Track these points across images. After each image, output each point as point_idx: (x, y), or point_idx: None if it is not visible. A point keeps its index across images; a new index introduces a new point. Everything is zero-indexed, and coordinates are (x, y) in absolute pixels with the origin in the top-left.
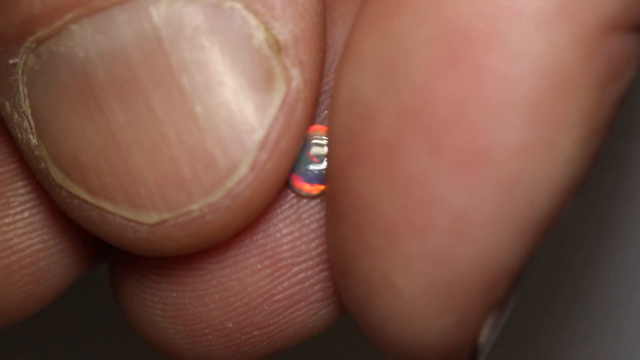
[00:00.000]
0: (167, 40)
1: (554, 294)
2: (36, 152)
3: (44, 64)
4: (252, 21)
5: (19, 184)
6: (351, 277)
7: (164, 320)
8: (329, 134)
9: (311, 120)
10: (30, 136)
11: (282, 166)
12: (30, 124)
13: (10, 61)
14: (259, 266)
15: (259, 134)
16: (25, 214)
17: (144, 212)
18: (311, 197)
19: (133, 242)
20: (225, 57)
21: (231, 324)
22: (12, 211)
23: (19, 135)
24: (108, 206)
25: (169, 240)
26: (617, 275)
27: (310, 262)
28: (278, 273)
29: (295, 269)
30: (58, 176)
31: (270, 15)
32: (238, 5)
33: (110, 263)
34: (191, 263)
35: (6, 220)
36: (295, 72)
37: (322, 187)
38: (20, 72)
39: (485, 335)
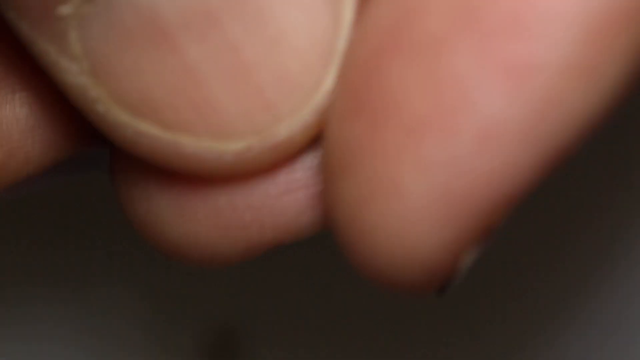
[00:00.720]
0: None
1: (553, 293)
2: (91, 94)
3: (101, 9)
4: None
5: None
6: (352, 176)
7: (157, 192)
8: (361, 27)
9: None
10: (83, 79)
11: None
12: (82, 67)
13: (62, 9)
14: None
15: (340, 44)
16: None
17: (229, 140)
18: None
19: (215, 170)
20: None
21: (224, 202)
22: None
23: (67, 80)
24: (186, 139)
25: (253, 165)
26: (618, 276)
27: (315, 152)
28: (294, 165)
29: (299, 156)
30: (123, 115)
31: None
32: None
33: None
34: None
35: None
36: None
37: None
38: (72, 18)
39: (467, 262)
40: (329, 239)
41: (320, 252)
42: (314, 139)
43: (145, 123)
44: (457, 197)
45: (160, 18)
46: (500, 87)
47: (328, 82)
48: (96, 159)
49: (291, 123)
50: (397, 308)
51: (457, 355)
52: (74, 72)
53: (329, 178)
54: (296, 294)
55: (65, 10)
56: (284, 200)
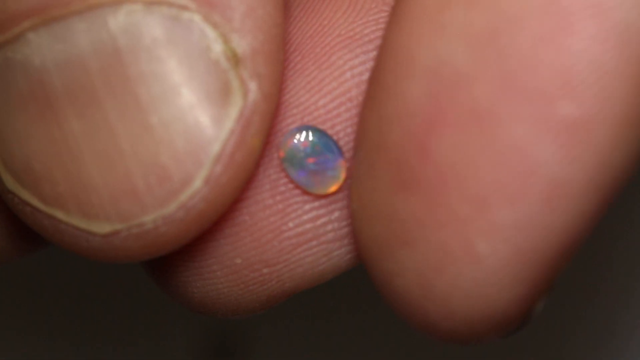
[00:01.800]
0: (125, 51)
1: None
2: None
3: (0, 70)
4: (211, 33)
5: None
6: (413, 247)
7: (174, 255)
8: (395, 100)
9: (267, 133)
10: None
11: (238, 179)
12: None
13: None
14: (271, 201)
15: (214, 147)
16: None
17: (97, 222)
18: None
19: (86, 250)
20: (183, 69)
21: (240, 260)
22: None
23: None
24: (60, 215)
25: (121, 250)
26: (618, 276)
27: (322, 201)
28: (289, 209)
29: (307, 206)
30: (10, 182)
31: (228, 27)
32: (197, 17)
33: None
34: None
35: None
36: (252, 86)
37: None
38: None
39: (539, 308)
40: None
41: None
42: (190, 237)
43: (28, 193)
44: (531, 255)
45: (48, 86)
46: (561, 147)
47: (197, 181)
48: None
49: (156, 215)
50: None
51: (457, 355)
52: None
53: (383, 250)
54: (296, 294)
55: None
56: (297, 253)
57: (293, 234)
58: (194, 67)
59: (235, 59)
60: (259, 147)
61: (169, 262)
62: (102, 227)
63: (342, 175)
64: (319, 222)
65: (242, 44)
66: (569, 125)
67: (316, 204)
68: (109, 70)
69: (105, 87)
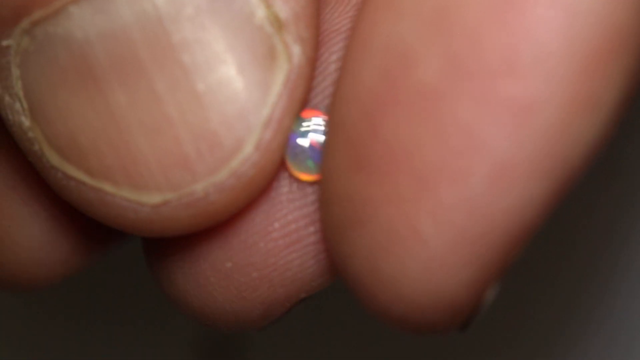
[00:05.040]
0: (168, 20)
1: (553, 294)
2: (29, 134)
3: (40, 45)
4: None
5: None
6: (364, 227)
7: (172, 263)
8: (351, 80)
9: (307, 98)
10: (23, 118)
11: (284, 144)
12: (23, 106)
13: (4, 43)
14: (255, 202)
15: (263, 112)
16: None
17: (146, 192)
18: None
19: (133, 223)
20: (227, 36)
21: (230, 264)
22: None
23: (10, 117)
24: (108, 187)
25: (171, 221)
26: (617, 276)
27: (307, 200)
28: (274, 210)
29: (291, 205)
30: (54, 158)
31: None
32: None
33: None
34: None
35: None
36: (296, 49)
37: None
38: (13, 53)
39: (491, 296)
40: None
41: None
42: (240, 205)
43: (72, 167)
44: (477, 237)
45: (91, 59)
46: (505, 127)
47: (248, 147)
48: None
49: (208, 183)
50: None
51: (457, 355)
52: (16, 111)
53: (338, 232)
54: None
55: (6, 42)
56: (284, 255)
57: (278, 235)
58: (238, 34)
59: (278, 24)
60: (300, 113)
61: (171, 269)
62: (152, 198)
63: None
64: (302, 222)
65: (284, 9)
66: (512, 106)
67: (298, 203)
68: (153, 40)
69: (150, 57)
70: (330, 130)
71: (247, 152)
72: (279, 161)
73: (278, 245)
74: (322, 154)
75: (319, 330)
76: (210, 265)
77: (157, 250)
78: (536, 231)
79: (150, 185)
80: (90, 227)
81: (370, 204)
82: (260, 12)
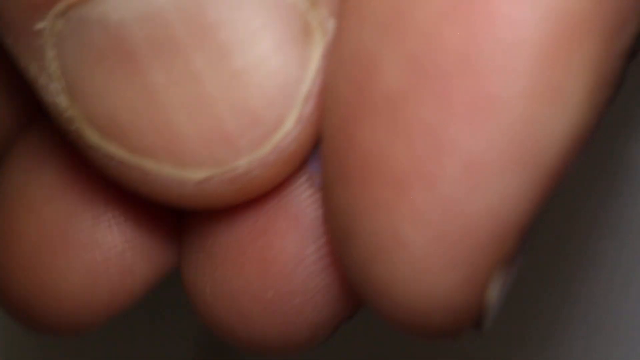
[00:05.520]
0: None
1: (550, 294)
2: (67, 114)
3: (75, 28)
4: None
5: (98, 183)
6: (355, 238)
7: (214, 299)
8: (331, 91)
9: None
10: (60, 98)
11: (320, 119)
12: (60, 86)
13: (38, 25)
14: (287, 230)
15: (303, 87)
16: (108, 210)
17: (190, 169)
18: None
19: (178, 199)
20: (262, 14)
21: (272, 294)
22: (94, 209)
23: (46, 99)
24: (150, 165)
25: (214, 196)
26: (616, 276)
27: None
28: (306, 235)
29: (322, 229)
30: (94, 137)
31: None
32: None
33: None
34: (229, 238)
35: (89, 218)
36: (330, 25)
37: None
38: (47, 35)
39: (494, 294)
40: None
41: None
42: (281, 179)
43: (113, 145)
44: (457, 238)
45: (128, 40)
46: (469, 125)
47: (289, 122)
48: None
49: (250, 158)
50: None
51: (457, 355)
52: (52, 91)
53: (337, 245)
54: None
55: (41, 25)
56: (323, 278)
57: (313, 260)
58: (272, 12)
59: (311, 0)
60: None
61: (214, 306)
62: (195, 174)
63: None
64: None
65: None
66: (473, 103)
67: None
68: (189, 20)
69: (187, 37)
70: (321, 144)
71: (288, 127)
72: (317, 135)
73: (317, 269)
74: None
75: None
76: (252, 297)
77: (195, 284)
78: (527, 226)
79: (193, 162)
80: (134, 265)
81: (356, 215)
82: None
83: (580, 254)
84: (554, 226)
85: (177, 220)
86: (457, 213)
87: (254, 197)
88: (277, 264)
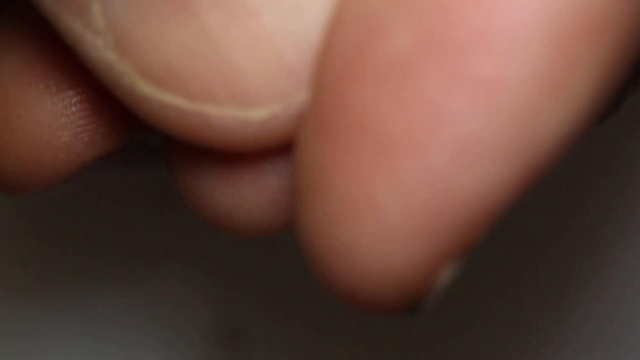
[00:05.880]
0: None
1: (551, 294)
2: (117, 69)
3: None
4: None
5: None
6: (323, 195)
7: (210, 180)
8: (327, 47)
9: None
10: (109, 53)
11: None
12: (108, 41)
13: None
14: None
15: None
16: (69, 93)
17: (253, 108)
18: None
19: (241, 141)
20: None
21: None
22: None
23: (93, 56)
24: (211, 109)
25: (278, 134)
26: (617, 277)
27: None
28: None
29: None
30: (148, 88)
31: None
32: None
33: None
34: None
35: (44, 92)
36: None
37: None
38: None
39: (444, 280)
40: None
41: None
42: None
43: (170, 94)
44: (433, 212)
45: None
46: (471, 103)
47: None
48: (151, 153)
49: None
50: None
51: (457, 354)
52: (98, 47)
53: (299, 198)
54: (296, 294)
55: None
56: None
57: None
58: None
59: None
60: None
61: (203, 185)
62: (259, 113)
63: None
64: None
65: None
66: (480, 82)
67: None
68: None
69: None
70: (310, 96)
71: None
72: None
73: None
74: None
75: (321, 329)
76: (254, 182)
77: (187, 162)
78: (500, 216)
79: (256, 100)
80: (102, 122)
81: (330, 171)
82: None
83: (580, 254)
84: (555, 226)
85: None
86: (440, 188)
87: None
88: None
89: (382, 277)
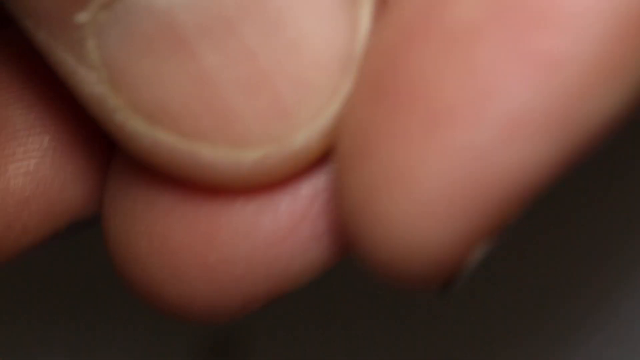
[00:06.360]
0: None
1: (553, 294)
2: (109, 104)
3: (119, 16)
4: None
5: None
6: (367, 162)
7: (149, 255)
8: (392, 10)
9: None
10: (101, 88)
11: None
12: (102, 76)
13: (79, 16)
14: (246, 197)
15: (357, 50)
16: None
17: (246, 149)
18: None
19: (233, 180)
20: None
21: (215, 258)
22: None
23: (86, 90)
24: (204, 149)
25: (269, 174)
26: (618, 277)
27: (297, 197)
28: (265, 205)
29: (284, 203)
30: (140, 125)
31: None
32: None
33: (103, 198)
34: (178, 193)
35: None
36: None
37: None
38: (88, 25)
39: (476, 257)
40: None
41: None
42: (330, 149)
43: (163, 132)
44: (476, 187)
45: (178, 24)
46: (527, 78)
47: (346, 87)
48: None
49: (308, 130)
50: (397, 307)
51: (457, 354)
52: (92, 82)
53: (344, 163)
54: (295, 293)
55: (82, 17)
56: (272, 250)
57: (267, 230)
58: None
59: None
60: None
61: (146, 259)
62: (252, 154)
63: None
64: (294, 217)
65: None
66: (540, 58)
67: (289, 199)
68: None
69: (237, 13)
70: (364, 60)
71: (344, 93)
72: None
73: (267, 241)
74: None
75: (323, 332)
76: (193, 257)
77: (124, 233)
78: (537, 197)
79: (250, 141)
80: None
81: (378, 137)
82: None
83: (582, 253)
84: (556, 226)
85: (100, 167)
86: (486, 162)
87: (307, 170)
88: (229, 230)
89: (418, 250)
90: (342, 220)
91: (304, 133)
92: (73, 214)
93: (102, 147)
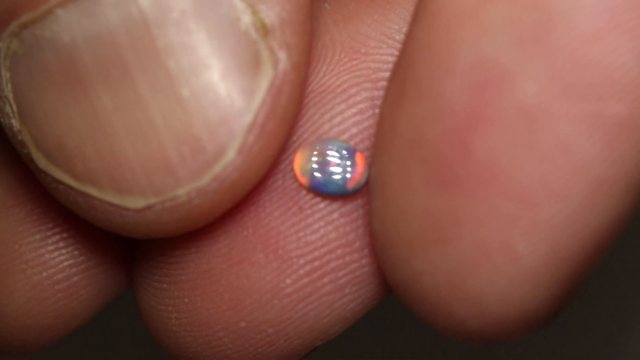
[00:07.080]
0: (154, 24)
1: None
2: (19, 137)
3: (28, 48)
4: (239, 4)
5: (49, 201)
6: (450, 244)
7: (180, 328)
8: (429, 96)
9: (300, 102)
10: (13, 121)
11: (269, 148)
12: (12, 109)
13: None
14: (265, 260)
15: (246, 118)
16: (57, 230)
17: (130, 197)
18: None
19: (120, 226)
20: (212, 41)
21: (244, 324)
22: (43, 227)
23: (2, 120)
24: (93, 191)
25: (156, 224)
26: (619, 278)
27: (316, 253)
28: (284, 266)
29: (302, 260)
30: (42, 161)
31: None
32: None
33: (133, 278)
34: (199, 265)
35: (37, 237)
36: (282, 55)
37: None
38: (3, 56)
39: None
40: None
41: None
42: (224, 209)
43: (60, 171)
44: (567, 254)
45: (78, 62)
46: (605, 146)
47: (231, 152)
48: None
49: (190, 188)
50: (398, 307)
51: (457, 354)
52: (7, 114)
53: (412, 248)
54: None
55: None
56: (299, 309)
57: (292, 291)
58: (223, 39)
59: (264, 30)
60: (291, 117)
61: (178, 334)
62: (136, 202)
63: (359, 169)
64: (315, 275)
65: (270, 15)
66: (615, 124)
67: (309, 257)
68: (138, 44)
69: (135, 60)
70: (399, 147)
71: (229, 157)
72: (264, 165)
73: (292, 300)
74: (378, 171)
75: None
76: (223, 327)
77: (157, 311)
78: (612, 244)
79: (133, 190)
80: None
81: (457, 222)
82: (246, 18)
83: None
84: None
85: (130, 243)
86: (575, 231)
87: (198, 227)
88: (252, 295)
89: (514, 317)
90: (416, 300)
91: (185, 190)
92: (115, 293)
93: None
